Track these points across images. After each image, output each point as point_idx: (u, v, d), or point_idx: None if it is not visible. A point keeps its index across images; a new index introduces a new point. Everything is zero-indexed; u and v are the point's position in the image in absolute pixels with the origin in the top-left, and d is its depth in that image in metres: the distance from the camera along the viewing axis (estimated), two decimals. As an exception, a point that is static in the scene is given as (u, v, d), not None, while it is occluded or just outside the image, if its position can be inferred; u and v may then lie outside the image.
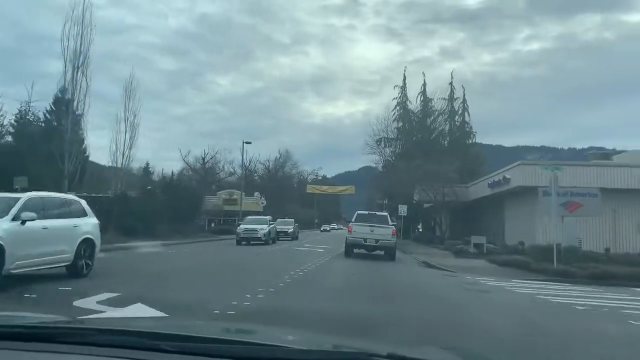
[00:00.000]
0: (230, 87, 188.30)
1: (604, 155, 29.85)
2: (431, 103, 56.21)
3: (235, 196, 59.54)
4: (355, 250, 22.64)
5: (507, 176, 30.28)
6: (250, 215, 43.35)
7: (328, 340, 2.17)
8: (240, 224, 32.46)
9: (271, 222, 32.63)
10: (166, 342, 1.68)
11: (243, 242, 29.30)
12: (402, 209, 38.65)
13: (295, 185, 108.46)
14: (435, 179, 38.71)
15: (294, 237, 38.78)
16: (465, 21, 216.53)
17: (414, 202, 42.95)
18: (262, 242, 29.45)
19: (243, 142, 52.82)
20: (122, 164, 41.31)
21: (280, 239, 35.43)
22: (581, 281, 16.22)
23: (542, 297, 12.18)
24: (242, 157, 53.48)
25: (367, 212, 26.29)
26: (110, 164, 42.29)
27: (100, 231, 12.70)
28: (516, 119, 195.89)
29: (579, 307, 10.60)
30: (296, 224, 42.51)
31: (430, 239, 39.70)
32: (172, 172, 41.26)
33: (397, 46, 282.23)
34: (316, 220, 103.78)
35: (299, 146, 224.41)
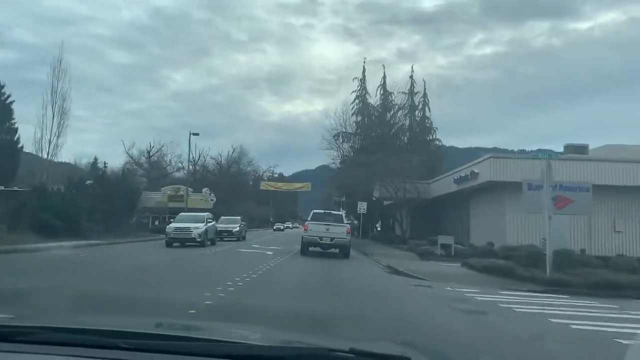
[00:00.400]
0: (185, 83, 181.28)
1: (579, 148, 27.40)
2: (391, 97, 53.36)
3: (181, 192, 54.91)
4: (311, 249, 22.60)
5: (476, 170, 27.42)
6: (203, 214, 39.24)
7: (290, 336, 2.22)
8: (171, 222, 27.25)
9: (210, 220, 27.33)
10: (125, 339, 1.67)
11: (175, 244, 24.56)
12: (362, 206, 35.38)
13: (250, 182, 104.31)
14: (397, 175, 35.67)
15: (240, 237, 34.08)
16: (421, 24, 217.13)
17: (374, 199, 39.76)
18: (197, 244, 24.45)
19: (190, 134, 48.28)
20: (48, 153, 36.35)
21: (225, 239, 31.30)
22: (581, 292, 13.21)
23: (556, 320, 8.93)
24: (189, 150, 48.96)
25: (322, 211, 26.19)
26: (36, 153, 37.28)
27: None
28: (469, 121, 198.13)
29: (623, 341, 7.33)
30: (243, 222, 37.47)
31: (390, 238, 36.60)
32: (105, 164, 36.16)
33: (355, 46, 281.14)
34: (271, 219, 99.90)
35: (255, 144, 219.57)
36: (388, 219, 54.46)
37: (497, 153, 26.32)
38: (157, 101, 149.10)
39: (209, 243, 25.69)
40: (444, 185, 34.39)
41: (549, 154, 16.31)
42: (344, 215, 28.74)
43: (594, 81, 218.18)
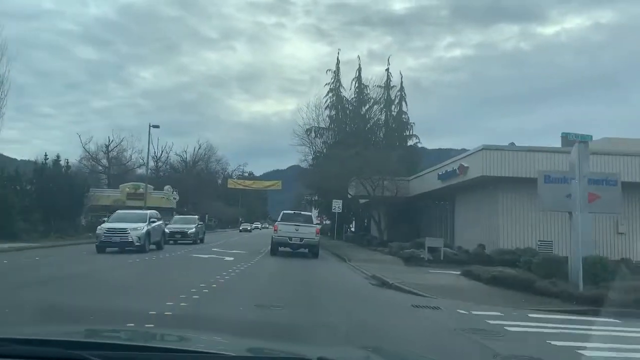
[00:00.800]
0: (154, 80, 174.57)
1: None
2: (366, 90, 50.04)
3: (141, 190, 50.46)
4: (281, 249, 22.38)
5: (465, 164, 24.22)
6: (165, 214, 34.86)
7: (260, 344, 2.22)
8: (104, 221, 21.69)
9: (155, 219, 21.99)
10: (91, 351, 1.60)
11: (110, 248, 19.73)
12: (337, 205, 31.92)
13: (219, 182, 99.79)
14: (374, 170, 32.35)
15: (196, 239, 28.91)
16: (392, 26, 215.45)
17: (349, 197, 36.29)
18: (136, 248, 19.71)
19: (149, 126, 43.96)
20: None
21: (179, 241, 27.19)
22: (631, 313, 9.98)
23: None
24: (149, 143, 44.54)
25: (292, 211, 26.27)
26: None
27: None
28: (438, 123, 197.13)
29: None
30: (201, 223, 32.29)
31: (367, 240, 33.17)
32: (46, 156, 31.26)
33: (327, 47, 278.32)
34: (240, 219, 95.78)
35: (225, 144, 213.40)
36: (363, 219, 51.20)
37: (489, 145, 23.15)
38: (126, 99, 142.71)
39: (152, 247, 21.26)
40: (426, 182, 31.15)
41: (582, 137, 13.06)
42: (313, 216, 28.80)
43: (561, 85, 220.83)
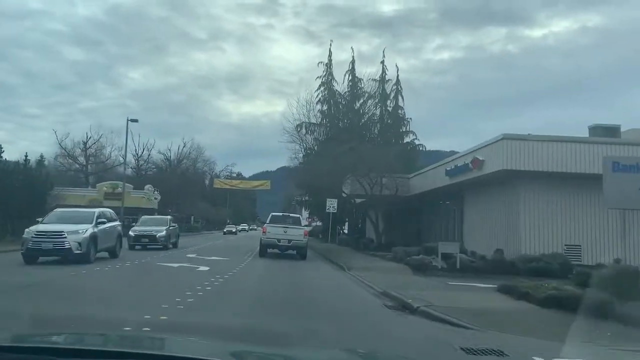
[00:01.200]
0: (143, 81, 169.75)
1: (610, 130, 21.26)
2: (360, 84, 46.68)
3: (119, 189, 46.66)
4: (270, 250, 22.28)
5: (480, 157, 20.90)
6: (147, 214, 31.00)
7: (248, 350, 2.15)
8: (38, 222, 16.65)
9: (105, 220, 17.34)
10: (70, 358, 1.53)
11: (45, 257, 15.46)
12: (332, 204, 28.53)
13: (206, 182, 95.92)
14: (372, 167, 29.01)
15: (168, 243, 24.32)
16: (381, 28, 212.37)
17: (344, 196, 32.81)
18: (76, 258, 15.26)
19: (127, 120, 40.21)
20: None
21: (148, 246, 23.22)
22: None
23: None
24: (126, 139, 40.72)
25: (281, 214, 26.48)
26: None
27: None
28: (427, 124, 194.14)
29: None
30: (174, 225, 27.03)
31: (365, 243, 29.72)
32: (27, 156, 28.01)
33: (316, 48, 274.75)
34: (228, 221, 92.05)
35: (214, 145, 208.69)
36: (356, 220, 47.79)
37: (510, 134, 19.80)
38: (114, 99, 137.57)
39: (103, 255, 17.17)
40: (430, 179, 27.83)
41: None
42: (303, 217, 29.30)
43: (548, 87, 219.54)
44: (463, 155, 22.84)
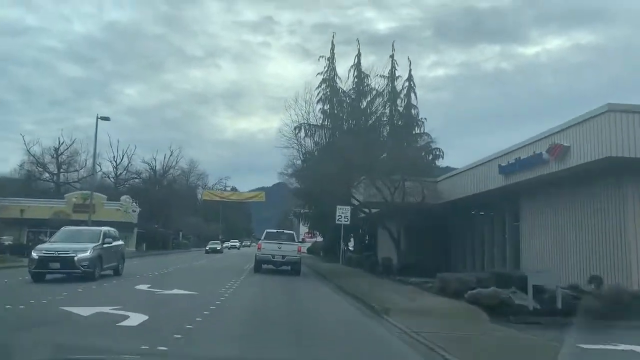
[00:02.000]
0: (138, 98, 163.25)
1: None
2: (367, 80, 40.16)
3: (93, 200, 39.69)
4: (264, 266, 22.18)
5: (565, 143, 14.18)
6: (111, 228, 23.81)
7: None
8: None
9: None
10: None
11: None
12: (343, 213, 21.80)
13: (199, 196, 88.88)
14: (395, 167, 22.41)
15: (96, 270, 15.43)
16: (376, 45, 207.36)
17: (356, 204, 25.76)
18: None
19: (97, 118, 33.40)
20: None
21: (64, 274, 14.87)
22: None
23: None
24: (95, 142, 33.78)
25: (275, 230, 26.59)
26: None
27: None
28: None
29: None
30: (112, 242, 17.28)
31: (386, 266, 22.61)
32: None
33: (311, 65, 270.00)
34: (220, 237, 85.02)
35: (209, 161, 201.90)
36: (363, 235, 40.82)
37: (616, 104, 13.18)
38: (110, 116, 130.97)
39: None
40: (469, 181, 21.09)
41: None
42: (302, 232, 30.73)
43: (541, 104, 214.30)
44: (531, 144, 16.07)
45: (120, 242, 19.19)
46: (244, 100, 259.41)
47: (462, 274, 15.22)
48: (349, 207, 22.92)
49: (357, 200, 24.99)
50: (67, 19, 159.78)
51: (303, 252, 29.83)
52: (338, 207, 22.75)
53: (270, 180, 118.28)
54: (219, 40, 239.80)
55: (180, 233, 71.73)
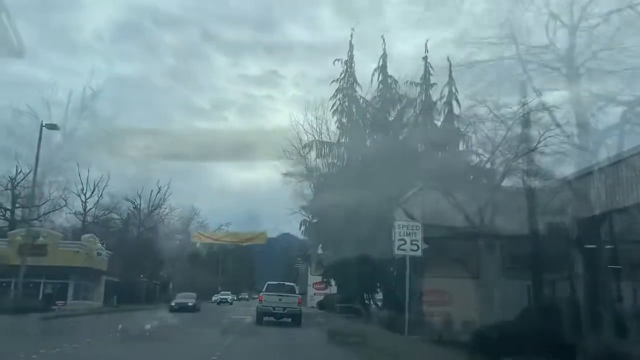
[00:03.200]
0: (144, 149, 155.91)
1: None
2: (395, 86, 31.18)
3: (42, 239, 29.94)
4: (265, 318, 22.47)
5: None
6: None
7: None
8: None
9: None
10: None
11: None
12: (409, 237, 11.73)
13: (198, 245, 78.80)
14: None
15: None
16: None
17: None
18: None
19: (41, 126, 24.31)
20: None
21: None
22: None
23: None
24: (37, 152, 24.43)
25: (276, 282, 26.06)
26: None
27: None
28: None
29: None
30: None
31: (454, 336, 12.34)
32: None
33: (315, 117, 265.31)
34: (219, 288, 74.58)
35: (215, 210, 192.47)
36: (392, 283, 30.36)
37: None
38: (115, 168, 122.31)
39: None
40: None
41: None
42: (295, 285, 27.51)
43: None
44: None
45: None
46: (249, 151, 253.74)
47: None
48: (419, 224, 12.98)
49: (411, 217, 14.82)
50: (76, 73, 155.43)
51: (313, 307, 30.64)
52: (397, 222, 12.81)
53: (275, 231, 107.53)
54: (225, 93, 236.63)
55: (171, 284, 61.14)
